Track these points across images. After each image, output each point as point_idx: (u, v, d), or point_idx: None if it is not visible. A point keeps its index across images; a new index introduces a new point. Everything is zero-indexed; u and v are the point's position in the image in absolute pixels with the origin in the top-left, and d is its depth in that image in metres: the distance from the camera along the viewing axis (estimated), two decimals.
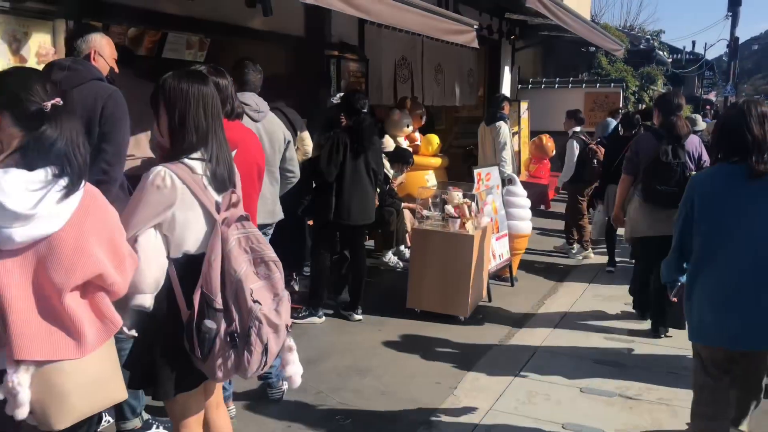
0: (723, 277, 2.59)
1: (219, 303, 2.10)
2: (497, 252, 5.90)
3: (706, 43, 56.31)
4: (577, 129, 7.65)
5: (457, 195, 5.13)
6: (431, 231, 4.98)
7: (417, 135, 7.99)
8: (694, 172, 4.42)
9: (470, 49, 11.50)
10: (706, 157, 4.63)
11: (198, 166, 2.15)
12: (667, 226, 4.25)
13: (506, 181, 6.32)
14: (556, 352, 4.49)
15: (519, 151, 11.98)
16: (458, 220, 4.95)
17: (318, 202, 4.70)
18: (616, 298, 5.80)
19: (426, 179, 7.27)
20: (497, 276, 6.18)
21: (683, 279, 2.82)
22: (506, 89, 12.30)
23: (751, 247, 2.55)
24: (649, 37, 17.69)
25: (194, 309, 2.09)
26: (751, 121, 2.60)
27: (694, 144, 4.66)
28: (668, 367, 4.28)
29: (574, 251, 7.59)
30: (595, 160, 7.23)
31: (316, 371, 4.06)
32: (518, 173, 11.93)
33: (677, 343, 4.60)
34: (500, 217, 6.03)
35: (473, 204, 5.15)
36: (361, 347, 4.51)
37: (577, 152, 7.37)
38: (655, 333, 4.81)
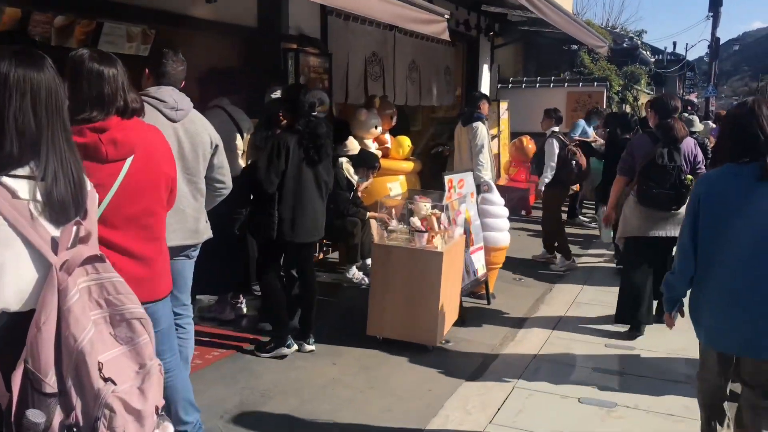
0: (732, 282, 2.50)
1: (51, 385, 1.46)
2: (472, 267, 5.29)
3: (687, 44, 56.28)
4: (556, 129, 7.09)
5: (424, 206, 4.52)
6: (394, 247, 4.35)
7: (387, 137, 7.37)
8: (689, 175, 4.50)
9: (447, 46, 10.94)
10: (701, 158, 4.67)
11: (23, 187, 1.51)
12: (659, 228, 4.51)
13: (482, 187, 5.71)
14: (535, 390, 3.88)
15: (498, 154, 11.43)
16: (425, 235, 4.33)
17: (258, 217, 4.04)
18: (606, 304, 5.23)
19: (389, 187, 6.61)
20: (473, 293, 5.58)
21: (684, 298, 2.71)
22: (485, 88, 11.74)
23: (759, 251, 2.45)
24: (632, 35, 17.23)
25: (13, 393, 1.45)
26: (762, 119, 2.50)
27: (689, 146, 4.64)
28: (663, 373, 4.13)
29: (557, 263, 7.03)
30: (574, 162, 6.68)
31: (251, 420, 3.42)
32: (498, 177, 11.40)
33: (672, 348, 4.43)
34: (475, 228, 5.42)
35: (443, 215, 4.54)
36: (311, 386, 3.86)
37: (556, 152, 6.81)
38: (636, 332, 4.75)
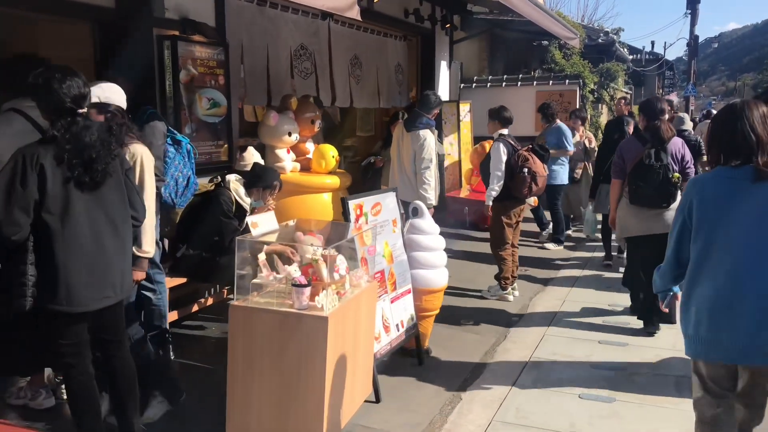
0: (725, 287, 2.44)
1: None
2: (393, 320, 3.97)
3: (665, 43, 55.61)
4: (504, 131, 5.82)
5: (311, 247, 3.19)
6: (258, 311, 3.00)
7: (310, 146, 6.04)
8: (677, 173, 4.61)
9: (398, 40, 9.64)
10: (689, 157, 4.82)
11: None
12: (653, 225, 4.64)
13: (410, 212, 4.40)
14: None
15: (459, 161, 10.17)
16: (306, 290, 2.99)
17: (5, 275, 2.66)
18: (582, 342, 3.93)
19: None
20: (403, 349, 4.27)
21: (676, 289, 2.74)
22: (444, 88, 10.46)
23: (757, 255, 2.40)
24: (608, 30, 16.06)
25: None
26: (754, 121, 2.48)
27: (677, 146, 4.78)
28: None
29: (489, 290, 5.99)
30: (525, 170, 5.42)
31: None
32: (459, 186, 10.12)
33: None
34: (399, 266, 4.11)
35: (339, 258, 3.21)
36: None
37: (504, 158, 5.56)
38: (648, 332, 4.87)
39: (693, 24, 30.95)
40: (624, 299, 5.59)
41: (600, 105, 13.75)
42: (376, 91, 8.83)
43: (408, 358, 4.33)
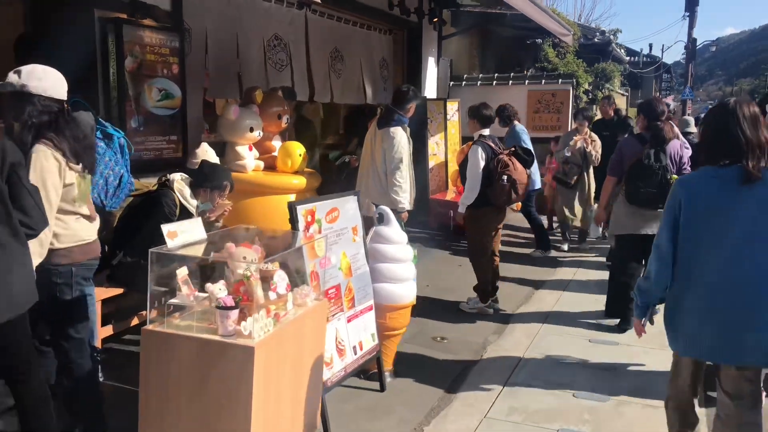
0: (710, 286, 2.46)
1: None
2: (350, 342, 3.52)
3: (663, 45, 55.17)
4: (485, 132, 5.37)
5: (243, 258, 2.73)
6: (175, 337, 2.54)
7: (276, 143, 5.58)
8: (674, 175, 4.56)
9: (382, 33, 9.19)
10: (686, 159, 4.83)
11: None
12: (648, 226, 4.63)
13: (375, 219, 3.94)
14: None
15: (446, 162, 9.71)
16: (232, 313, 2.53)
17: None
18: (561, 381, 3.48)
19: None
20: (364, 372, 3.83)
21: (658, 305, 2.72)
22: (431, 85, 10.01)
23: (743, 255, 2.42)
24: (604, 30, 15.63)
25: None
26: (744, 122, 2.47)
27: (675, 148, 4.79)
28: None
29: (468, 302, 5.54)
30: (505, 177, 4.97)
31: None
32: (445, 189, 9.67)
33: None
34: (359, 279, 3.65)
35: (278, 275, 2.75)
36: None
37: (481, 163, 5.11)
38: (622, 328, 4.89)
39: (691, 27, 30.60)
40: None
41: (594, 106, 13.32)
42: (360, 87, 8.37)
43: (369, 383, 3.88)
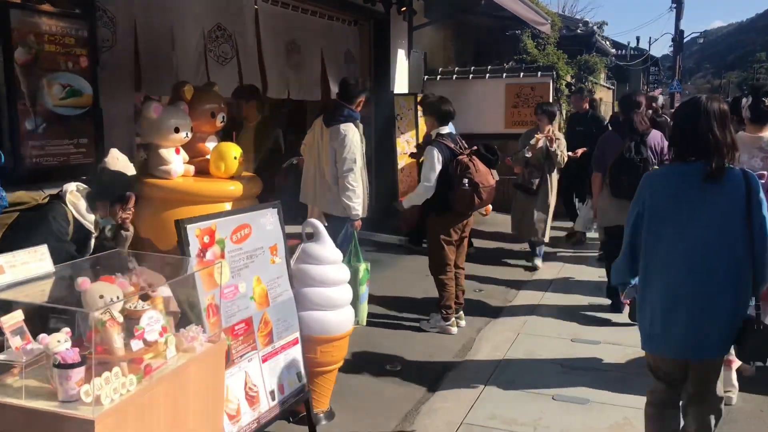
0: (672, 282, 2.48)
1: None
2: (266, 386, 2.92)
3: (650, 38, 54.71)
4: (444, 130, 4.79)
5: (100, 296, 2.12)
6: None
7: (211, 145, 4.95)
8: (656, 166, 4.61)
9: (346, 24, 8.58)
10: (667, 150, 4.76)
11: None
12: None
13: (303, 233, 3.35)
14: None
15: (418, 161, 9.11)
16: (75, 372, 1.93)
17: None
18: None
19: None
20: (293, 414, 3.23)
21: (634, 281, 2.67)
22: (401, 80, 9.40)
23: (702, 251, 2.44)
24: (587, 20, 15.07)
25: None
26: (711, 120, 2.46)
27: (656, 139, 4.87)
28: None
29: (429, 321, 4.95)
30: (466, 181, 4.41)
31: None
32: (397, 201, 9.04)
33: None
34: (279, 309, 3.05)
35: (149, 315, 2.15)
36: None
37: (438, 166, 4.54)
38: (615, 307, 5.07)
39: (678, 18, 30.21)
40: (590, 333, 4.60)
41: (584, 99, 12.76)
42: (317, 82, 7.75)
43: (300, 427, 3.29)
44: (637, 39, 41.18)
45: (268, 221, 3.03)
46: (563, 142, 6.46)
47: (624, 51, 29.58)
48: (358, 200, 4.67)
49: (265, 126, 5.81)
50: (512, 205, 6.81)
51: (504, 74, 10.42)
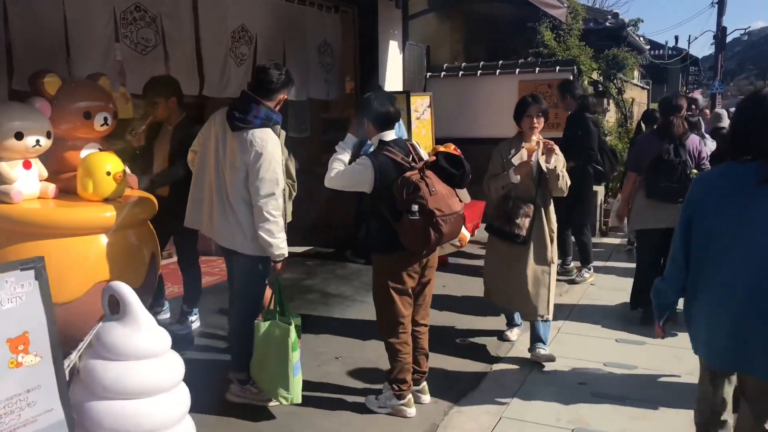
0: (727, 292, 2.28)
1: None
2: None
3: (690, 36, 52.06)
4: (387, 136, 3.48)
5: None
6: None
7: (82, 154, 3.69)
8: (694, 170, 4.67)
9: (324, 11, 7.25)
10: (705, 154, 4.84)
11: None
12: (668, 218, 4.53)
13: (105, 303, 2.03)
14: None
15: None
16: None
17: None
18: None
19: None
20: None
21: (679, 307, 2.50)
22: (394, 76, 8.08)
23: (757, 258, 2.22)
24: (617, 12, 13.53)
25: None
26: None
27: (694, 143, 4.82)
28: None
29: (378, 401, 3.58)
30: (416, 208, 3.09)
31: None
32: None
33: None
34: None
35: None
36: None
37: (370, 181, 3.27)
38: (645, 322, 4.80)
39: (720, 14, 28.27)
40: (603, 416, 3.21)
41: (606, 100, 11.27)
42: None
43: None
44: (676, 38, 39.17)
45: (7, 294, 1.73)
46: (561, 157, 4.15)
47: (661, 51, 27.86)
48: (281, 235, 3.35)
49: (189, 128, 4.53)
50: (485, 260, 4.46)
51: (517, 69, 9.04)
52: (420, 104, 8.04)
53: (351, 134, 3.47)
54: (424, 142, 8.06)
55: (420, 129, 8.10)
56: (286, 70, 3.44)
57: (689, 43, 33.72)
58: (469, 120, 9.07)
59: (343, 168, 3.35)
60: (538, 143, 4.03)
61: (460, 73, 9.36)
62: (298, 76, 6.65)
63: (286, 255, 3.43)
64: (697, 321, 2.40)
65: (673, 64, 23.82)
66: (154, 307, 4.60)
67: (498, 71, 9.14)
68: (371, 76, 7.53)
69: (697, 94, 30.25)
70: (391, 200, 3.24)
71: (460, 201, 3.36)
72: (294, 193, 4.06)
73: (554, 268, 4.20)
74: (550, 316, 4.15)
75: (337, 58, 7.36)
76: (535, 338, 4.17)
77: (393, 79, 7.98)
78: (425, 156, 3.49)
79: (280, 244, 3.33)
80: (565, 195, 4.20)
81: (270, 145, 3.30)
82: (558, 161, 4.06)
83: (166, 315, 4.64)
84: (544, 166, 4.01)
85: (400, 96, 7.57)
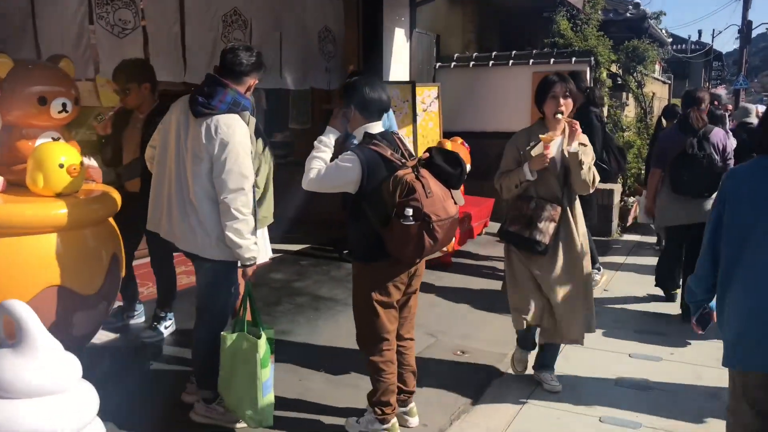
0: (758, 290, 2.16)
1: None
2: None
3: (714, 30, 50.77)
4: (375, 128, 3.10)
5: None
6: None
7: (37, 143, 3.34)
8: (720, 164, 4.60)
9: None
10: (730, 149, 4.76)
11: None
12: (694, 214, 4.66)
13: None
14: None
15: None
16: None
17: None
18: None
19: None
20: None
21: (712, 305, 2.39)
22: (400, 66, 7.68)
23: None
24: (638, 2, 12.96)
25: None
26: None
27: (718, 137, 4.72)
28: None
29: (360, 425, 3.16)
30: (410, 211, 2.78)
31: None
32: None
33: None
34: None
35: None
36: None
37: (355, 180, 2.92)
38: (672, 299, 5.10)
39: (746, 8, 27.43)
40: None
41: (625, 94, 10.77)
42: (277, 66, 6.10)
43: None
44: (699, 32, 38.08)
45: None
46: (591, 152, 3.49)
47: (684, 45, 27.14)
48: (250, 237, 2.97)
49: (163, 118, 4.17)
50: (506, 275, 3.66)
51: (531, 60, 8.58)
52: (427, 95, 7.64)
53: (333, 127, 3.06)
54: (431, 136, 7.67)
55: (427, 121, 7.70)
56: (257, 53, 3.06)
57: (713, 38, 32.89)
58: (480, 113, 8.64)
59: (324, 167, 2.95)
60: (563, 132, 3.41)
61: (471, 63, 8.93)
62: (298, 64, 6.29)
63: (262, 259, 3.06)
64: (728, 321, 2.28)
65: (695, 59, 23.13)
66: (127, 312, 4.26)
67: (511, 62, 8.69)
68: (375, 66, 7.13)
69: (721, 90, 29.49)
70: (378, 202, 2.85)
71: (455, 203, 2.97)
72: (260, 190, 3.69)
73: (590, 282, 3.58)
74: (592, 329, 3.59)
75: (339, 46, 6.99)
76: (543, 363, 3.68)
77: (399, 68, 7.59)
78: (413, 151, 3.10)
79: (250, 246, 2.95)
80: (589, 191, 3.47)
81: (238, 133, 2.92)
82: (586, 154, 3.38)
83: (140, 319, 4.28)
84: (566, 150, 3.38)
85: (404, 87, 7.21)
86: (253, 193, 3.01)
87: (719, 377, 3.49)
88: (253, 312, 3.09)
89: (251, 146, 3.02)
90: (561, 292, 3.45)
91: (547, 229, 3.36)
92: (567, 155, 3.38)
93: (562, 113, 3.38)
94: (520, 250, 3.48)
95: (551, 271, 3.44)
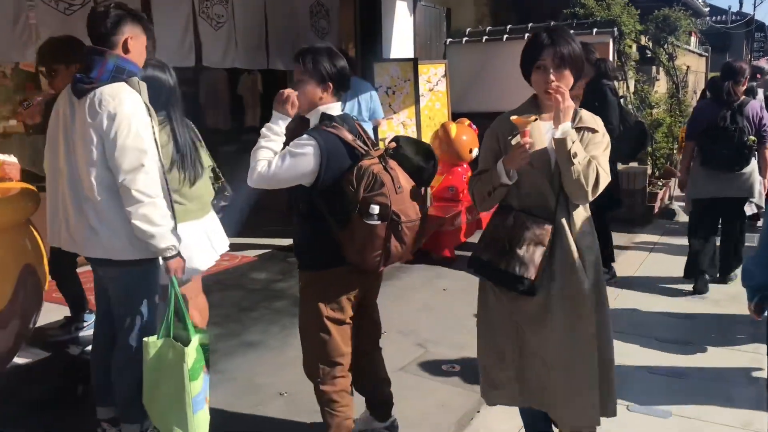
0: None
1: None
2: None
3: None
4: (334, 109, 2.59)
5: None
6: None
7: None
8: (752, 137, 4.57)
9: None
10: (766, 121, 4.65)
11: None
12: (724, 188, 4.66)
13: None
14: None
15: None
16: None
17: None
18: None
19: None
20: None
21: None
22: (402, 42, 7.07)
23: None
24: None
25: None
26: None
27: (755, 109, 4.65)
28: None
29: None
30: (376, 209, 2.27)
31: None
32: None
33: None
34: None
35: None
36: None
37: (312, 172, 2.38)
38: (699, 291, 4.83)
39: None
40: None
41: (654, 68, 9.99)
42: (263, 45, 5.58)
43: None
44: (740, 2, 36.45)
45: None
46: (603, 139, 2.35)
47: (724, 16, 25.92)
48: (164, 222, 2.43)
49: None
50: (477, 324, 2.50)
51: None
52: (433, 74, 7.06)
53: (281, 113, 2.48)
54: (438, 117, 7.10)
55: (434, 102, 7.12)
56: (117, 3, 2.48)
57: (755, 7, 31.41)
58: (494, 92, 7.98)
59: (274, 159, 2.40)
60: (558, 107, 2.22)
61: (484, 38, 8.28)
62: (287, 43, 5.75)
63: (178, 249, 2.51)
64: None
65: (736, 29, 21.95)
66: (75, 323, 3.82)
67: (527, 35, 7.99)
68: (374, 43, 6.57)
69: (763, 62, 28.03)
70: (335, 197, 2.32)
71: (423, 203, 2.42)
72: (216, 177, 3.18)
73: (608, 339, 2.35)
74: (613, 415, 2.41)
75: (333, 22, 6.44)
76: None
77: (401, 45, 6.99)
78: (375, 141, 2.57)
79: (164, 234, 2.41)
80: (588, 198, 2.23)
81: (126, 102, 2.37)
82: (593, 143, 2.29)
83: (90, 330, 3.84)
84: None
85: (405, 64, 6.61)
86: (162, 170, 2.47)
87: (751, 361, 3.62)
88: (183, 313, 2.58)
89: (148, 117, 2.46)
90: (560, 359, 2.27)
91: (531, 257, 2.20)
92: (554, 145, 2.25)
93: (559, 90, 2.21)
94: (498, 286, 2.34)
95: (543, 324, 2.28)
